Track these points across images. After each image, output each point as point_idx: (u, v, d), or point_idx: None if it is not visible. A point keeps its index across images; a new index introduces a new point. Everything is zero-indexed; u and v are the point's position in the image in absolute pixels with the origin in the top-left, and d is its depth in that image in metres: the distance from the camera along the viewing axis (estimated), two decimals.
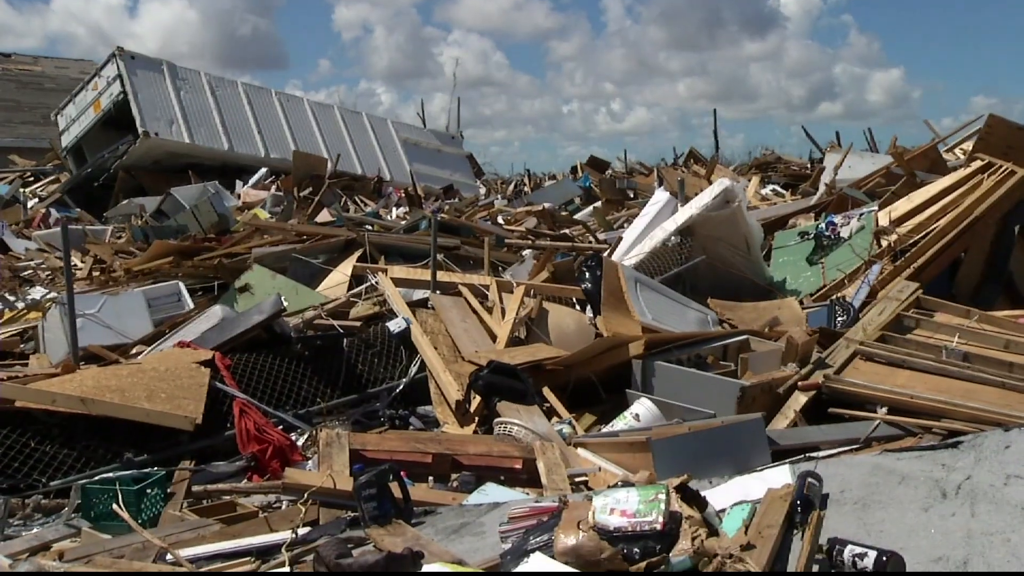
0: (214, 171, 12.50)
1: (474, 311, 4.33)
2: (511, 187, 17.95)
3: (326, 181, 11.14)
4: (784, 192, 11.20)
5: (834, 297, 4.73)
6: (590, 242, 7.88)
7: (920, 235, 5.09)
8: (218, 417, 3.23)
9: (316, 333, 4.04)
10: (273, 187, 11.59)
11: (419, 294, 4.83)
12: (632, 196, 12.43)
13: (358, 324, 4.17)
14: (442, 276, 4.71)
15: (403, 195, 12.10)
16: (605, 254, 5.77)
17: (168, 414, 3.05)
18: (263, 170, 13.12)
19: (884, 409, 3.01)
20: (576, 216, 11.05)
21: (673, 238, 5.48)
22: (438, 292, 4.53)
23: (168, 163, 12.78)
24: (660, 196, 6.42)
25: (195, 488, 2.81)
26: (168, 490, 2.74)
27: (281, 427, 3.29)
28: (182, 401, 3.10)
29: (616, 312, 4.20)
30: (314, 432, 3.27)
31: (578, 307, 4.78)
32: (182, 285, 5.01)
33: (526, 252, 7.00)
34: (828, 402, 3.14)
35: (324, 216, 8.59)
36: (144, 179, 12.49)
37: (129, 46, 13.30)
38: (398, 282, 4.60)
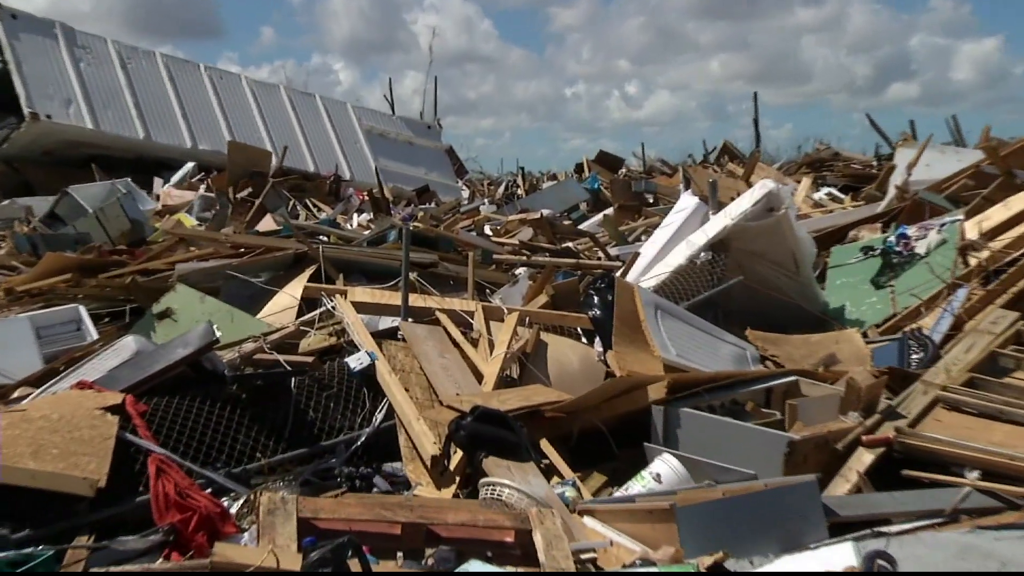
0: (125, 165, 12.47)
1: (455, 344, 4.35)
2: (501, 189, 18.16)
3: (269, 180, 11.21)
4: (843, 196, 11.34)
5: (908, 329, 4.76)
6: (599, 258, 7.95)
7: (1019, 251, 5.03)
8: (128, 479, 3.18)
9: (256, 371, 4.04)
10: (202, 187, 11.65)
11: (387, 322, 4.84)
12: (652, 201, 12.60)
13: (310, 359, 4.17)
14: (415, 300, 4.73)
15: (367, 198, 12.18)
16: (618, 274, 5.82)
17: (61, 476, 2.90)
18: (189, 165, 13.18)
19: (975, 473, 2.95)
20: (582, 226, 11.16)
21: (703, 254, 5.55)
22: (410, 320, 4.55)
23: (64, 154, 12.57)
24: (687, 202, 6.51)
25: (95, 571, 2.76)
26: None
27: (210, 490, 3.26)
28: (80, 459, 3.01)
29: (631, 346, 4.23)
30: (252, 496, 3.25)
31: (584, 339, 4.82)
32: (83, 310, 4.90)
33: (520, 270, 7.04)
34: (901, 462, 3.12)
35: (267, 224, 8.64)
36: (31, 173, 12.27)
37: (10, 2, 12.41)
38: (360, 307, 4.62)
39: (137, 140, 13.41)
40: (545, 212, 10.50)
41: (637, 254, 6.07)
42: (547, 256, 7.74)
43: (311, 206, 11.50)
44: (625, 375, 3.88)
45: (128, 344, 4.08)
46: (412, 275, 5.05)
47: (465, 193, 18.70)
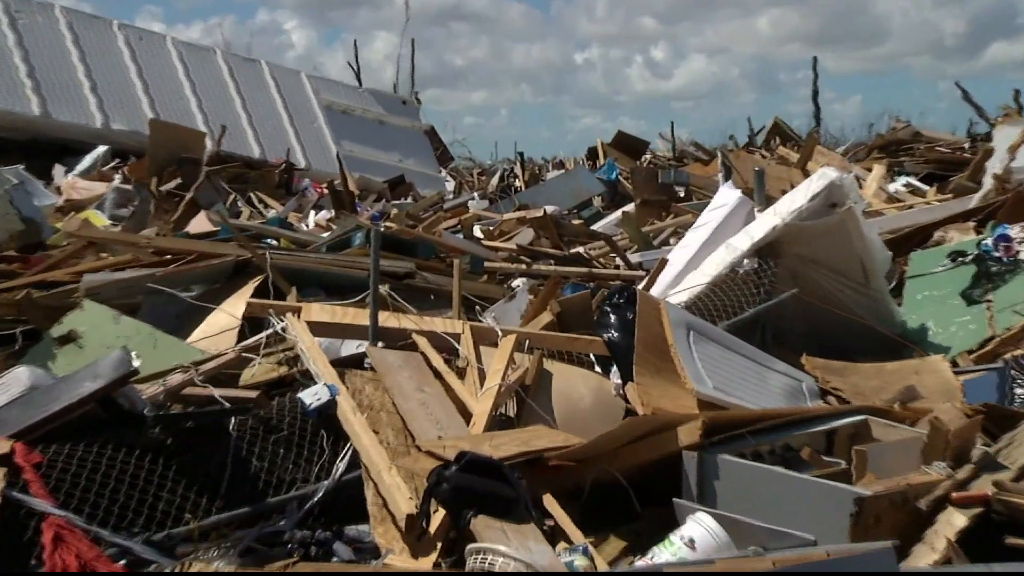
0: (16, 150, 12.42)
1: (437, 374, 4.36)
2: (494, 180, 18.24)
3: (203, 168, 11.24)
4: (925, 188, 11.37)
5: (1010, 357, 4.78)
6: (617, 267, 7.98)
7: None
8: (17, 548, 3.18)
9: (186, 409, 4.04)
10: (117, 176, 11.67)
11: (351, 347, 4.84)
12: (683, 196, 12.65)
13: (254, 395, 4.17)
14: (386, 319, 4.75)
15: (326, 192, 12.22)
16: (640, 286, 5.84)
17: None
18: (100, 149, 13.20)
19: None
20: (595, 227, 11.20)
21: (747, 261, 5.58)
22: (380, 345, 4.56)
23: None
24: (727, 196, 6.55)
25: None
26: None
27: (124, 562, 3.26)
28: None
29: (657, 377, 4.24)
30: (179, 569, 3.24)
31: (598, 368, 4.83)
32: None
33: (518, 282, 7.06)
34: (1002, 526, 3.14)
35: (200, 224, 8.65)
36: None
37: None
38: (318, 329, 4.62)
39: (31, 117, 13.38)
40: (550, 209, 10.53)
41: (665, 261, 6.10)
42: (552, 264, 7.77)
43: (256, 201, 11.53)
44: (649, 413, 3.88)
45: (19, 377, 4.04)
46: (383, 288, 5.06)
47: (450, 185, 18.76)
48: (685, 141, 22.01)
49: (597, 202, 14.30)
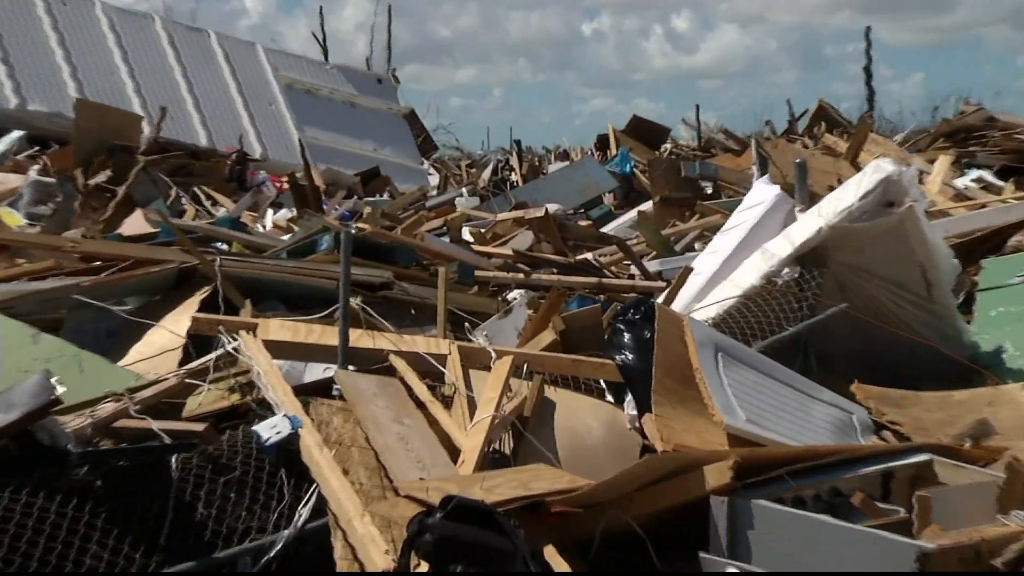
0: None
1: (419, 403, 4.36)
2: (486, 173, 18.31)
3: (139, 158, 11.25)
4: (1000, 184, 11.39)
5: None
6: (631, 276, 8.00)
7: None
8: None
9: (119, 445, 4.04)
10: (34, 167, 11.65)
11: (316, 371, 4.84)
12: (711, 192, 12.69)
13: (200, 428, 4.17)
14: (358, 338, 4.76)
15: (286, 187, 12.25)
16: (660, 299, 5.86)
17: None
18: (14, 135, 13.16)
19: None
20: (606, 228, 11.23)
21: (786, 270, 5.61)
22: (352, 368, 4.56)
23: None
24: (763, 192, 6.58)
25: None
26: None
27: None
28: None
29: (680, 407, 4.26)
30: None
31: (609, 397, 4.85)
32: None
33: (514, 294, 7.07)
34: None
35: (137, 224, 8.65)
36: None
37: None
38: (277, 349, 4.63)
39: None
40: (552, 208, 10.57)
41: (689, 270, 6.12)
42: (554, 273, 7.78)
43: (203, 198, 11.54)
44: (670, 450, 3.89)
45: None
46: (354, 301, 5.06)
47: (434, 179, 18.78)
48: (713, 128, 22.05)
49: (608, 200, 14.36)
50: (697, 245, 9.63)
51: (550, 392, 4.59)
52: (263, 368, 4.38)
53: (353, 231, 6.39)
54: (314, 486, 3.80)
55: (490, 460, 4.14)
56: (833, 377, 5.13)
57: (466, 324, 5.66)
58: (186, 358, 4.90)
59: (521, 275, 7.63)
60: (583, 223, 11.48)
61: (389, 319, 5.33)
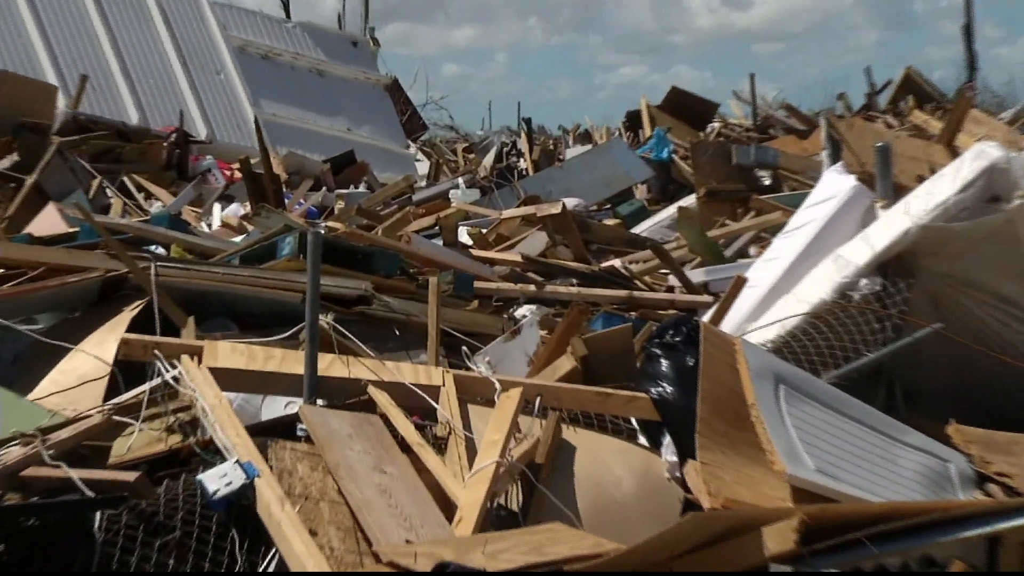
0: None
1: (404, 447, 4.36)
2: (488, 159, 18.32)
3: (53, 140, 11.27)
4: None
5: None
6: (670, 289, 7.99)
7: None
8: None
9: (29, 499, 4.04)
10: None
11: (277, 406, 4.84)
12: (769, 183, 12.68)
13: (131, 477, 4.18)
14: (329, 365, 4.76)
15: (238, 176, 12.27)
16: (706, 317, 5.85)
17: None
18: None
19: None
20: (638, 229, 11.22)
21: (865, 282, 5.60)
22: (321, 403, 4.56)
23: None
24: (835, 184, 6.58)
25: None
26: None
27: None
28: None
29: (730, 451, 4.25)
30: None
31: (643, 439, 4.85)
32: None
33: (523, 311, 7.07)
34: None
35: (51, 222, 8.66)
36: None
37: None
38: (228, 379, 4.64)
39: None
40: (570, 203, 10.57)
41: (743, 281, 6.12)
42: (574, 285, 7.78)
43: (134, 189, 11.57)
44: (720, 507, 3.88)
45: None
46: (324, 319, 5.07)
47: (422, 167, 18.76)
48: (772, 103, 22.07)
49: (641, 193, 14.37)
50: (752, 250, 9.63)
51: (569, 433, 4.58)
52: (210, 403, 4.38)
53: (322, 231, 6.39)
54: (273, 551, 3.80)
55: (494, 518, 4.13)
56: (924, 416, 5.12)
57: (464, 348, 5.66)
58: (113, 390, 4.91)
59: (532, 287, 7.64)
60: (609, 222, 11.48)
61: (367, 341, 5.33)
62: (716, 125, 19.48)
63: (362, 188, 14.30)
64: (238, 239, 8.12)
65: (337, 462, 4.13)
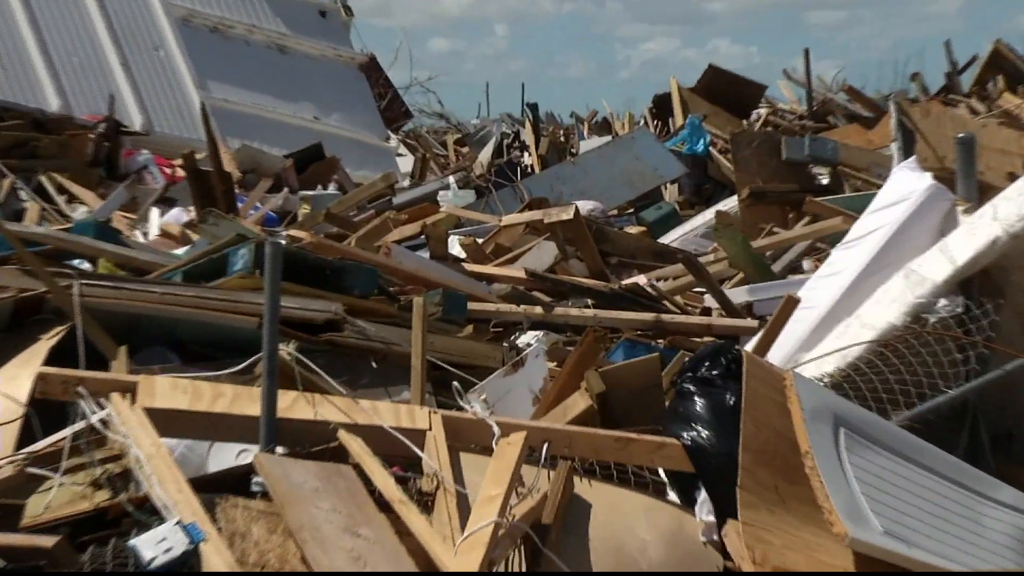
0: None
1: (382, 505, 4.36)
2: (486, 153, 18.30)
3: None
4: None
5: None
6: (706, 311, 7.99)
7: None
8: None
9: None
10: None
11: (227, 455, 4.85)
12: (827, 182, 12.67)
13: (49, 542, 4.19)
14: (291, 404, 4.76)
15: (181, 175, 12.27)
16: (749, 346, 5.84)
17: None
18: None
19: None
20: (667, 239, 11.21)
21: (943, 302, 5.59)
22: (280, 451, 4.57)
23: None
24: (907, 183, 6.58)
25: None
26: None
27: None
28: None
29: (780, 509, 4.25)
30: None
31: (673, 494, 4.87)
32: None
33: (527, 338, 7.08)
34: None
35: None
36: None
37: None
38: (168, 421, 4.64)
39: None
40: (586, 207, 10.61)
41: (795, 301, 6.12)
42: (590, 306, 7.79)
43: (53, 190, 11.58)
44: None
45: None
46: (285, 348, 5.08)
47: (406, 163, 18.73)
48: (831, 84, 22.10)
49: (671, 195, 14.40)
50: (806, 263, 9.64)
51: (583, 487, 4.58)
52: (146, 451, 4.39)
53: (283, 242, 6.40)
54: None
55: None
56: (1018, 467, 5.12)
57: (455, 383, 5.66)
58: (27, 436, 4.91)
59: (538, 308, 7.64)
60: (632, 229, 11.50)
61: (338, 376, 5.34)
62: (763, 111, 19.52)
63: (332, 189, 14.31)
64: (180, 251, 8.13)
65: (301, 523, 4.14)
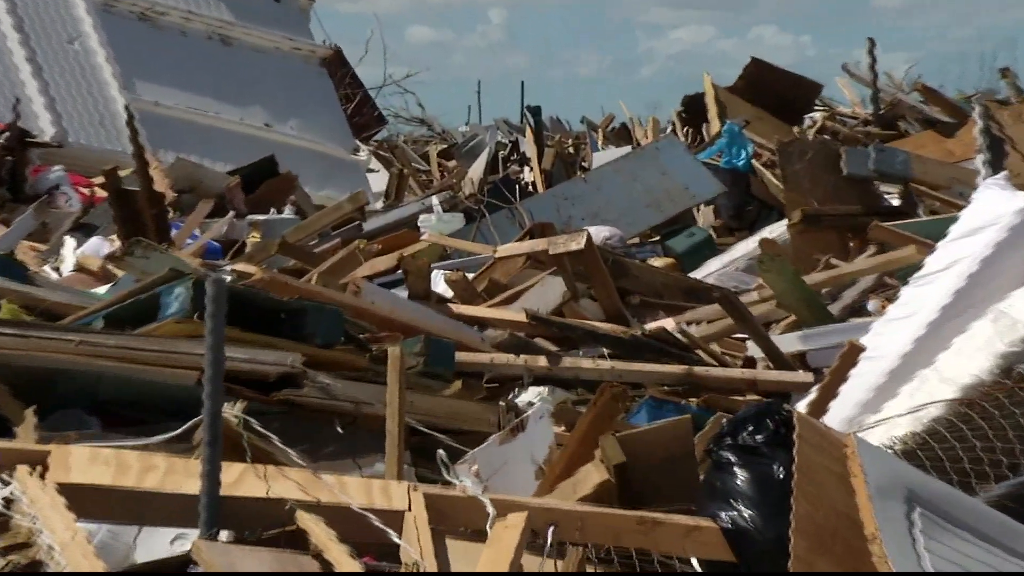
0: None
1: None
2: (477, 168, 18.32)
3: None
4: None
5: None
6: (748, 362, 8.00)
7: None
8: None
9: None
10: None
11: (159, 542, 4.84)
12: (897, 203, 12.69)
13: None
14: (238, 478, 4.77)
15: (102, 195, 12.28)
16: (801, 405, 5.85)
17: None
18: None
19: None
20: (701, 273, 11.21)
21: None
22: (224, 537, 4.57)
23: None
24: (997, 204, 6.60)
25: None
26: None
27: None
28: None
29: None
30: None
31: None
32: None
33: (528, 395, 7.09)
34: None
35: None
36: None
37: None
38: (87, 500, 4.65)
39: None
40: (601, 234, 10.62)
41: (858, 350, 6.14)
42: (605, 356, 7.80)
43: None
44: None
45: None
46: (231, 410, 5.09)
47: (379, 180, 18.71)
48: (901, 82, 22.17)
49: (705, 218, 14.43)
50: (872, 303, 9.66)
51: None
52: (59, 537, 4.41)
53: (228, 278, 6.41)
54: None
55: None
56: None
57: (440, 452, 5.68)
58: None
59: (542, 359, 7.66)
60: (658, 262, 11.52)
61: (296, 443, 5.36)
62: (818, 116, 19.58)
63: (288, 212, 14.33)
64: (101, 290, 8.15)
65: None
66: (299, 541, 4.62)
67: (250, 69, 18.65)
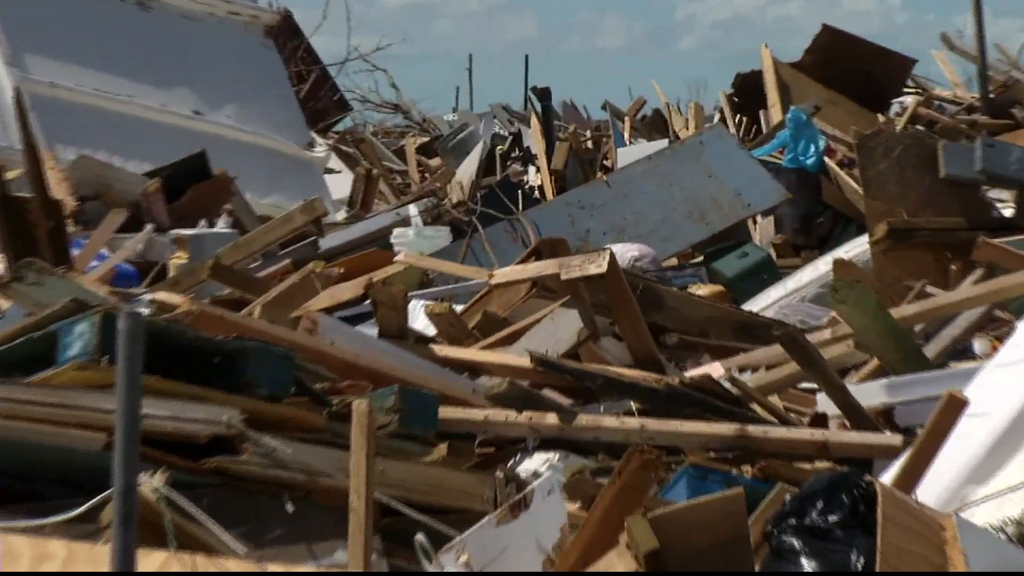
0: None
1: None
2: (468, 169, 18.37)
3: None
4: None
5: None
6: (817, 420, 8.02)
7: None
8: None
9: None
10: None
11: None
12: (1011, 213, 12.72)
13: None
14: (154, 571, 4.79)
15: None
16: (886, 476, 5.88)
17: None
18: None
19: None
20: (754, 302, 11.25)
21: None
22: None
23: None
24: None
25: None
26: None
27: None
28: None
29: None
30: None
31: None
32: None
33: (535, 464, 7.13)
34: None
35: None
36: None
37: None
38: None
39: None
40: (627, 253, 10.66)
41: (959, 405, 6.16)
42: (633, 413, 7.82)
43: None
44: None
45: None
46: (150, 481, 5.12)
47: (341, 182, 18.75)
48: (1016, 57, 22.21)
49: (764, 233, 14.46)
50: (978, 344, 9.69)
51: None
52: None
53: (146, 311, 6.44)
54: None
55: None
56: None
57: (419, 537, 5.72)
58: None
59: (552, 416, 7.68)
60: (700, 290, 11.55)
61: (233, 524, 5.39)
62: (909, 101, 19.62)
63: (222, 225, 14.37)
64: None
65: None
66: None
67: (175, 40, 18.64)
